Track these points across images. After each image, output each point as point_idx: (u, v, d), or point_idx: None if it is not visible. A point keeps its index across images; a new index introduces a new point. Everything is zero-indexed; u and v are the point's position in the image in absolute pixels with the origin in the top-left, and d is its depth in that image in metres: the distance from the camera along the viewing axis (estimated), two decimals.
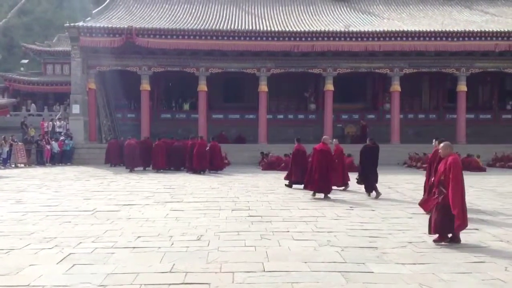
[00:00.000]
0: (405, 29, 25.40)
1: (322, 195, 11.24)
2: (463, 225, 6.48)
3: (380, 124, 28.72)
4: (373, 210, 9.42)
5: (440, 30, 25.26)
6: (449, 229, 6.56)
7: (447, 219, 6.46)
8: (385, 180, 15.78)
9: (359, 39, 25.14)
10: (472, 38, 25.16)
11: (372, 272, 5.16)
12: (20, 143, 22.63)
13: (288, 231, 7.28)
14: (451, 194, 6.43)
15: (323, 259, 5.67)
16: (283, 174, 15.20)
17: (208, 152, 18.24)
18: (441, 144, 7.25)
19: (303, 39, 25.07)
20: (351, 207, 9.85)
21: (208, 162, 18.15)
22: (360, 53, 25.95)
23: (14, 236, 6.90)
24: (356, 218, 8.50)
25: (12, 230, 7.34)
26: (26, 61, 40.06)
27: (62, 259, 5.62)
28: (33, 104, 32.71)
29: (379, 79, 29.50)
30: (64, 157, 23.37)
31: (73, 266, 5.34)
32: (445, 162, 6.76)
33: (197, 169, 17.89)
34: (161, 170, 18.77)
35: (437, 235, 6.63)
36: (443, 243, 6.50)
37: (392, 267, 5.37)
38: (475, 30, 25.34)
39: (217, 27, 25.46)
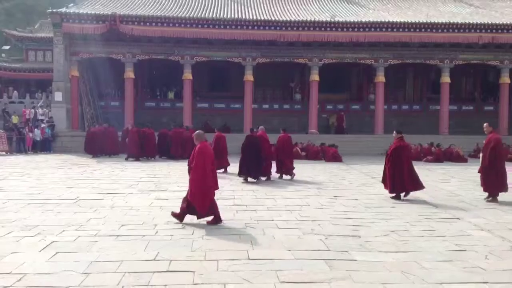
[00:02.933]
0: (390, 20, 25.49)
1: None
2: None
3: (365, 115, 28.92)
4: (356, 200, 9.50)
5: (425, 21, 25.40)
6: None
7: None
8: (369, 170, 15.96)
9: (345, 29, 25.15)
10: (456, 30, 25.36)
11: (356, 260, 5.22)
12: (1, 131, 22.23)
13: (273, 220, 7.32)
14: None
15: (307, 247, 5.71)
16: None
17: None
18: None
19: (289, 28, 24.99)
20: (335, 196, 9.92)
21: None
22: (346, 44, 26.00)
23: None
24: (340, 207, 8.58)
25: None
26: (7, 47, 39.14)
27: (45, 247, 5.56)
28: (15, 91, 32.08)
29: (364, 69, 29.62)
30: (45, 145, 23.04)
31: (56, 254, 5.29)
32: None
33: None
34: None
35: None
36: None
37: (375, 255, 5.44)
38: (460, 22, 25.56)
39: (202, 15, 25.21)
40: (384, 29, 25.20)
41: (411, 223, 7.27)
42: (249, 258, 5.21)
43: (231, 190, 10.54)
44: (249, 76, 26.30)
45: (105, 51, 25.61)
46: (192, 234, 6.33)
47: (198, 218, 7.03)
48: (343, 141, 23.85)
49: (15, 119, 24.70)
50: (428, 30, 25.27)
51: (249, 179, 12.21)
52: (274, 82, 30.19)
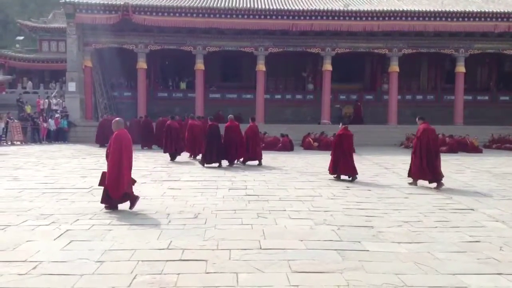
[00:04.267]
0: (405, 9, 25.16)
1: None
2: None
3: (378, 105, 28.71)
4: (369, 190, 9.45)
5: (439, 10, 25.04)
6: None
7: None
8: (382, 160, 15.86)
9: (358, 18, 24.91)
10: (471, 19, 24.98)
11: (368, 251, 5.20)
12: (16, 121, 22.51)
13: (285, 210, 7.31)
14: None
15: (319, 237, 5.70)
16: (280, 154, 15.22)
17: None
18: None
19: (302, 17, 24.82)
20: (347, 187, 9.89)
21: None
22: (359, 33, 25.75)
23: (11, 212, 6.90)
24: (353, 198, 8.54)
25: (9, 206, 7.34)
26: (21, 38, 39.51)
27: (59, 236, 5.63)
28: (29, 82, 32.43)
29: (378, 59, 29.36)
30: (59, 135, 23.29)
31: (70, 242, 5.35)
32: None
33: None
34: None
35: None
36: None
37: (388, 246, 5.41)
38: (475, 10, 25.14)
39: (214, 5, 25.12)
40: (398, 18, 24.91)
41: (424, 213, 7.22)
42: (261, 248, 5.21)
43: (243, 180, 10.55)
44: (261, 66, 26.22)
45: (117, 42, 25.72)
46: (205, 223, 6.36)
47: (108, 204, 7.17)
48: (356, 131, 23.45)
49: (28, 109, 24.97)
50: (443, 18, 24.92)
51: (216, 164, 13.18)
52: (286, 72, 30.08)
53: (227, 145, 13.71)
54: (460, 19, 24.93)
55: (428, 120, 10.52)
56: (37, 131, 22.79)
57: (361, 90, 30.38)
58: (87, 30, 25.19)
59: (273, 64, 27.54)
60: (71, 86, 24.92)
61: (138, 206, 7.46)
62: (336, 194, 8.93)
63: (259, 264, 4.68)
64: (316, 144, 20.95)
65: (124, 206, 7.26)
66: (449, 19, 24.91)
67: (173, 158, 15.11)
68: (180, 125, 17.25)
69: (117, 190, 7.07)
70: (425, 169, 9.87)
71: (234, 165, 13.77)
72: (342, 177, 10.98)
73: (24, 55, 34.03)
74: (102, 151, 17.99)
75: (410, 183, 10.26)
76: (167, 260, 4.74)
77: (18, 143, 21.58)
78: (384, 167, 13.92)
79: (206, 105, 26.56)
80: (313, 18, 24.81)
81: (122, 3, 24.05)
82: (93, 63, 26.10)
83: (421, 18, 24.88)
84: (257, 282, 4.19)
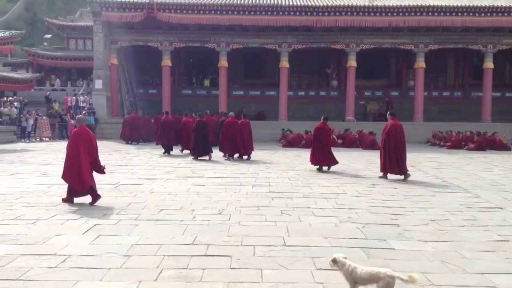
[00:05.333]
0: (431, 4, 24.66)
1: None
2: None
3: (404, 102, 28.27)
4: (395, 188, 9.34)
5: (467, 5, 24.44)
6: None
7: None
8: (408, 158, 15.61)
9: (383, 14, 24.55)
10: (500, 14, 24.33)
11: (394, 249, 5.14)
12: (44, 118, 23.04)
13: (309, 207, 7.29)
14: None
15: (344, 235, 5.67)
16: (304, 151, 15.17)
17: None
18: None
19: (326, 13, 24.60)
20: (373, 184, 9.79)
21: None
22: (384, 29, 25.39)
23: (40, 207, 7.08)
24: (378, 196, 8.46)
25: (39, 201, 7.53)
26: (49, 36, 40.38)
27: (88, 230, 5.75)
28: (57, 79, 33.13)
29: (403, 55, 28.90)
30: None
31: (98, 236, 5.46)
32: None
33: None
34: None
35: None
36: None
37: (414, 244, 5.34)
38: (504, 5, 24.46)
39: (238, 2, 25.13)
40: (424, 13, 24.45)
41: (451, 212, 7.10)
42: (285, 245, 5.22)
43: (266, 177, 10.56)
44: (284, 63, 26.13)
45: (143, 39, 26.02)
46: (229, 219, 6.40)
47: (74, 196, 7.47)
48: (382, 128, 23.35)
49: (56, 106, 25.52)
50: (471, 13, 24.35)
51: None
52: (310, 68, 29.89)
53: (227, 140, 14.57)
54: (488, 14, 24.30)
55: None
56: (65, 128, 23.29)
57: (386, 86, 29.99)
58: (113, 28, 25.54)
59: (296, 60, 27.42)
60: (98, 84, 25.34)
61: (164, 202, 7.56)
62: (361, 191, 8.85)
63: (283, 260, 4.68)
64: (340, 141, 20.76)
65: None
66: (476, 14, 24.32)
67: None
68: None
69: (81, 185, 7.35)
70: (393, 163, 10.42)
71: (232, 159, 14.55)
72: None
73: (52, 53, 34.76)
74: (128, 148, 18.28)
75: (380, 177, 10.73)
76: (192, 255, 4.78)
77: (47, 139, 22.10)
78: (410, 164, 13.69)
79: (230, 102, 26.61)
80: (337, 14, 24.57)
81: (147, 0, 24.30)
82: (119, 61, 26.46)
83: (448, 13, 24.36)
84: (282, 279, 4.19)
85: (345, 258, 3.81)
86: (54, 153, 15.75)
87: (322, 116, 12.76)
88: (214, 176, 10.65)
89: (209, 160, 14.27)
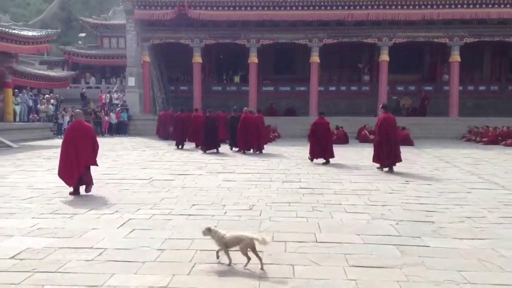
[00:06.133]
0: None
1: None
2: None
3: (438, 96, 27.68)
4: (429, 185, 9.15)
5: None
6: None
7: None
8: (442, 154, 15.29)
9: (417, 7, 24.06)
10: None
11: (428, 246, 5.04)
12: None
13: (340, 204, 7.23)
14: None
15: (376, 232, 5.59)
16: (335, 146, 15.00)
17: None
18: None
19: (358, 7, 24.29)
20: (406, 181, 9.62)
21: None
22: (418, 22, 24.85)
23: (77, 201, 7.28)
24: (412, 192, 8.30)
25: (75, 196, 7.73)
26: (83, 34, 41.29)
27: (122, 224, 5.88)
28: (92, 77, 33.90)
29: (437, 49, 28.26)
30: (120, 128, 24.23)
31: (132, 230, 5.57)
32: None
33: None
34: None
35: None
36: None
37: (450, 242, 5.22)
38: None
39: None
40: (459, 6, 23.83)
41: (488, 209, 6.90)
42: (317, 241, 5.19)
43: (297, 173, 10.53)
44: (315, 58, 25.96)
45: (174, 37, 26.33)
46: (260, 215, 6.41)
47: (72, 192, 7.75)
48: (415, 124, 23.04)
49: (91, 105, 26.12)
50: (508, 5, 23.58)
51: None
52: (340, 63, 29.62)
53: (243, 134, 15.04)
54: None
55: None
56: (100, 124, 23.84)
57: (420, 81, 29.38)
58: (145, 26, 25.96)
59: (327, 55, 27.17)
60: (131, 81, 25.82)
61: (195, 197, 7.64)
62: (394, 188, 8.71)
63: (315, 257, 4.66)
64: (372, 136, 20.45)
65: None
66: None
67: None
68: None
69: (71, 177, 7.66)
70: (384, 154, 10.89)
71: (248, 153, 15.10)
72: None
73: (86, 51, 35.58)
74: (161, 144, 18.56)
75: (378, 168, 11.26)
76: None
77: None
78: (444, 161, 13.42)
79: (259, 98, 26.65)
80: (369, 7, 24.23)
81: None
82: (151, 58, 26.87)
83: (484, 5, 23.66)
84: (314, 275, 4.17)
85: (216, 226, 4.77)
86: None
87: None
88: (245, 172, 10.69)
89: (217, 153, 15.05)
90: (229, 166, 11.83)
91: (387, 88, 26.20)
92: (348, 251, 4.85)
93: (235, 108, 16.69)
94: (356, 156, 14.53)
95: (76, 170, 7.65)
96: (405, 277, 4.14)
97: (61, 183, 7.94)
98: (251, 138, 15.05)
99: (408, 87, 28.78)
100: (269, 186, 8.84)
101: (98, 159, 8.38)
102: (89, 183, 7.86)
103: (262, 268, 4.26)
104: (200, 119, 16.45)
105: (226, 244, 4.41)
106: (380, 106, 12.30)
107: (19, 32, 21.15)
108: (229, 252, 4.42)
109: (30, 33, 22.13)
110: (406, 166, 11.96)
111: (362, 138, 20.84)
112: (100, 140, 19.93)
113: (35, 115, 23.41)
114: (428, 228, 5.79)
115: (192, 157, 13.94)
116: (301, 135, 22.51)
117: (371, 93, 27.84)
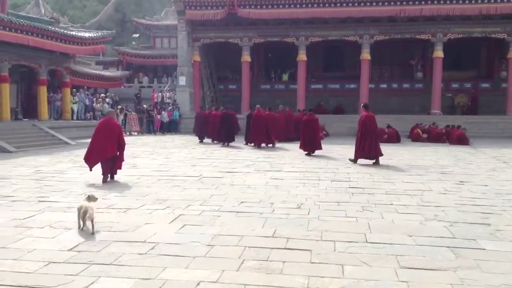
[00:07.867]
0: None
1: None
2: None
3: (496, 94, 26.44)
4: (485, 186, 8.78)
5: None
6: None
7: None
8: (500, 154, 14.62)
9: (473, 1, 23.05)
10: None
11: (484, 249, 4.84)
12: (133, 113, 24.42)
13: (392, 204, 7.07)
14: None
15: (429, 233, 5.43)
16: (386, 146, 14.72)
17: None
18: None
19: (410, 3, 23.58)
20: (461, 181, 9.27)
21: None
22: (474, 17, 23.82)
23: (131, 197, 7.54)
24: (467, 193, 7.99)
25: (129, 191, 8.02)
26: (137, 35, 42.51)
27: (174, 220, 6.03)
28: (145, 77, 34.89)
29: (495, 44, 26.98)
30: (171, 126, 24.82)
31: (183, 226, 5.71)
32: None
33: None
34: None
35: None
36: None
37: (507, 245, 4.99)
38: None
39: None
40: None
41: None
42: (367, 241, 5.11)
43: (347, 173, 10.39)
44: (366, 55, 25.47)
45: (223, 36, 26.64)
46: (308, 214, 6.39)
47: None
48: (470, 122, 22.14)
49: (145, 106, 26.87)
50: None
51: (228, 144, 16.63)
52: (392, 60, 28.91)
53: (255, 131, 16.38)
54: None
55: None
56: (152, 123, 24.54)
57: (476, 78, 28.17)
58: (196, 26, 26.42)
59: (378, 52, 26.59)
60: (181, 80, 26.37)
61: (243, 194, 7.71)
62: (448, 189, 8.42)
63: (365, 257, 4.59)
64: (425, 135, 19.90)
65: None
66: None
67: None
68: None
69: (89, 161, 9.11)
70: (366, 149, 11.73)
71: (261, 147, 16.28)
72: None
73: (140, 51, 36.61)
74: (208, 142, 18.85)
75: (350, 159, 12.22)
76: (273, 248, 4.84)
77: (136, 133, 23.43)
78: (502, 161, 12.81)
79: (308, 96, 26.48)
80: (423, 2, 23.46)
81: None
82: (201, 58, 27.32)
83: None
84: (363, 275, 4.12)
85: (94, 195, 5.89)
86: (142, 147, 16.67)
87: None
88: (292, 171, 10.67)
89: (227, 146, 16.98)
90: (276, 164, 11.84)
91: (441, 85, 25.31)
92: (400, 252, 4.74)
93: (258, 107, 17.14)
94: (409, 155, 14.14)
95: (97, 158, 8.97)
96: (459, 280, 4.00)
97: (116, 178, 8.23)
98: (263, 134, 16.38)
99: (464, 84, 27.67)
100: (317, 184, 8.78)
101: (151, 156, 8.66)
102: (114, 172, 9.24)
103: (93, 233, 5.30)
104: (218, 117, 17.76)
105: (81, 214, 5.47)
106: (362, 105, 13.44)
107: (76, 34, 22.11)
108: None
109: (86, 35, 23.09)
110: (462, 166, 11.53)
111: (414, 137, 20.24)
112: (153, 138, 20.57)
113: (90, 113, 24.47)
114: (484, 231, 5.56)
115: (240, 155, 14.08)
116: (349, 134, 22.17)
117: (424, 90, 26.99)
